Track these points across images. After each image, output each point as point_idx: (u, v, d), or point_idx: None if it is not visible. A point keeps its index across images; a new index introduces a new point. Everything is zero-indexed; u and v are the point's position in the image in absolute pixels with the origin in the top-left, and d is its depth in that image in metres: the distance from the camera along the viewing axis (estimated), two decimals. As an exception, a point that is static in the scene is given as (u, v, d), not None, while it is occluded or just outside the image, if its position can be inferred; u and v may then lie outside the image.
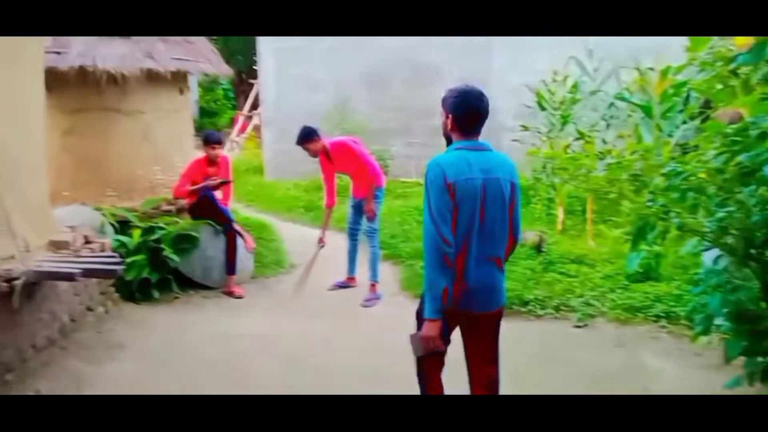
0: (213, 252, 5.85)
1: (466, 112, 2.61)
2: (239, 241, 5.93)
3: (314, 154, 5.56)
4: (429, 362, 2.72)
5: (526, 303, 5.19)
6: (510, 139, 8.65)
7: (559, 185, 7.39)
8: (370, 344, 4.56)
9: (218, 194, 6.06)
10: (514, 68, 9.88)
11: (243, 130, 15.48)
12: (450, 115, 2.64)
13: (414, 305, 2.93)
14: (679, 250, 4.94)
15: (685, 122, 6.26)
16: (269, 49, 10.99)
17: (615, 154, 6.36)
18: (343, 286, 5.92)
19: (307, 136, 5.47)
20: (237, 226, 5.86)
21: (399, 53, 10.57)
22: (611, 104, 7.20)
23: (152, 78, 6.14)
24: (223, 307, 5.53)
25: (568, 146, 7.31)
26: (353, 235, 5.88)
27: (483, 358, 2.72)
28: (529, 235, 6.47)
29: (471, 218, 2.53)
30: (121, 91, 6.09)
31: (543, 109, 7.85)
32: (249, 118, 15.61)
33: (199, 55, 6.71)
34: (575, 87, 7.57)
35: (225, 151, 5.89)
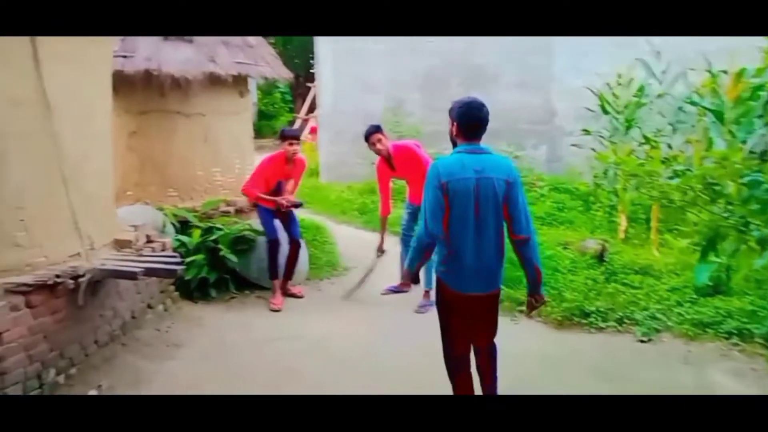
0: (269, 254, 5.89)
1: (468, 120, 2.99)
2: (302, 251, 5.92)
3: (380, 150, 5.44)
4: (453, 330, 3.13)
5: (587, 315, 4.99)
6: (569, 143, 8.44)
7: (621, 192, 7.12)
8: (422, 349, 4.48)
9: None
10: (575, 70, 9.62)
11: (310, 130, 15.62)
12: (455, 123, 3.03)
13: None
14: (753, 263, 4.66)
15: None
16: (327, 50, 11.05)
17: (681, 160, 6.06)
18: (396, 290, 5.84)
19: (379, 128, 5.44)
20: (290, 285, 5.81)
21: (456, 55, 10.45)
22: (680, 108, 6.87)
23: (214, 81, 6.26)
24: (278, 308, 5.58)
25: (631, 151, 7.03)
26: (407, 241, 5.81)
27: (483, 324, 3.15)
28: (590, 243, 6.24)
29: (465, 213, 2.90)
30: (184, 93, 6.21)
31: (606, 112, 7.59)
32: (306, 120, 15.79)
33: (260, 59, 6.79)
34: (641, 90, 7.28)
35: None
